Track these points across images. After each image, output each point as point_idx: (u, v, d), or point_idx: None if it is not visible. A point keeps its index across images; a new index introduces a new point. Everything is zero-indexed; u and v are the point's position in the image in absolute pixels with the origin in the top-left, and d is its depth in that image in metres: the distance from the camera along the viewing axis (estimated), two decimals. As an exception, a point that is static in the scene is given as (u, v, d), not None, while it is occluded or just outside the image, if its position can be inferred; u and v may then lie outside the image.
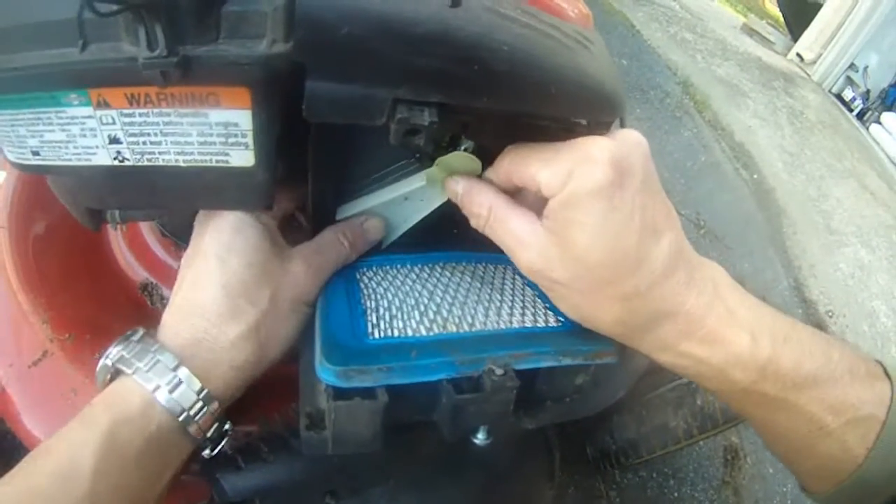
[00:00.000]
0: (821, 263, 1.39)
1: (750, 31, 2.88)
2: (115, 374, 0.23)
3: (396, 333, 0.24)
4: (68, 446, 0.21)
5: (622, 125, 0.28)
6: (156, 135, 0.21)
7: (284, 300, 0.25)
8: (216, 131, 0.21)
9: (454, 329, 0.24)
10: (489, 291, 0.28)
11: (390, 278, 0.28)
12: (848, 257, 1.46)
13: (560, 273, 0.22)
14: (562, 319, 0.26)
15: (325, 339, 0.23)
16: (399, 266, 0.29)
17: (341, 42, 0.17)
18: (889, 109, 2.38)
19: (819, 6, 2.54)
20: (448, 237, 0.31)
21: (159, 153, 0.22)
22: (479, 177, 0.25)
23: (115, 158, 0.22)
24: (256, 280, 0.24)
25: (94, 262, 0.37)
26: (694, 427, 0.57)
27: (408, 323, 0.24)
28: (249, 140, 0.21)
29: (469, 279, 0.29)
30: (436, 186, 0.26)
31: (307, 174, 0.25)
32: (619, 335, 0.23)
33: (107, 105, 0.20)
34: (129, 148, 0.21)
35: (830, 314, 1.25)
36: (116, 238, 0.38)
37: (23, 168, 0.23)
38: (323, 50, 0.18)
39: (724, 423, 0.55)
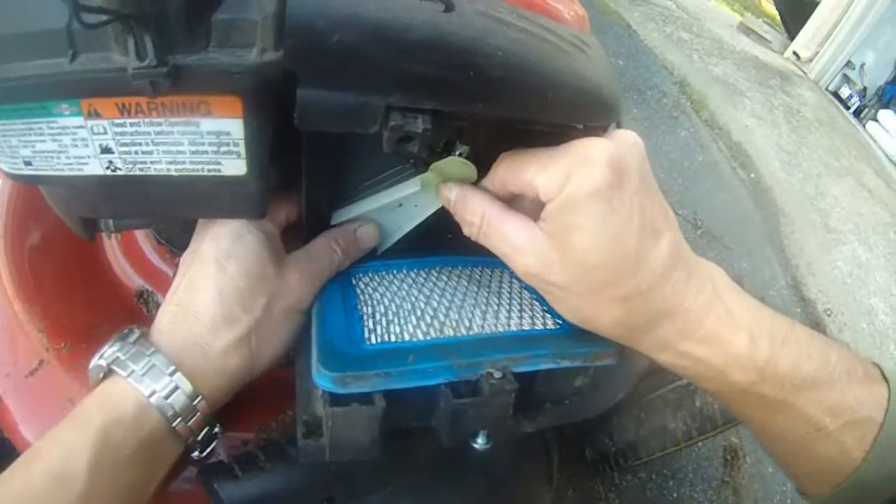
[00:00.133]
0: (819, 262, 1.39)
1: (746, 30, 2.89)
2: (109, 373, 0.23)
3: (393, 338, 0.24)
4: (61, 448, 0.21)
5: (619, 127, 0.27)
6: (147, 144, 0.21)
7: (278, 308, 0.25)
8: (208, 140, 0.20)
9: (451, 333, 0.24)
10: (486, 295, 0.28)
11: (386, 283, 0.28)
12: (846, 255, 1.46)
13: (559, 276, 0.22)
14: (560, 322, 0.26)
15: (322, 346, 0.23)
16: (395, 271, 0.29)
17: (333, 49, 0.17)
18: (886, 107, 2.39)
19: (815, 4, 2.55)
20: (444, 241, 0.31)
21: (151, 163, 0.21)
22: (475, 184, 0.25)
23: (107, 168, 0.22)
24: (252, 288, 0.24)
25: (90, 270, 0.37)
26: (693, 428, 0.57)
27: (405, 328, 0.24)
28: (241, 149, 0.21)
29: (466, 283, 0.28)
30: (430, 192, 0.26)
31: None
32: (618, 336, 0.23)
33: (98, 115, 0.20)
34: (120, 157, 0.21)
35: (829, 312, 1.25)
36: (111, 246, 0.38)
37: (15, 178, 0.22)
38: (314, 58, 0.18)
39: (723, 425, 0.55)
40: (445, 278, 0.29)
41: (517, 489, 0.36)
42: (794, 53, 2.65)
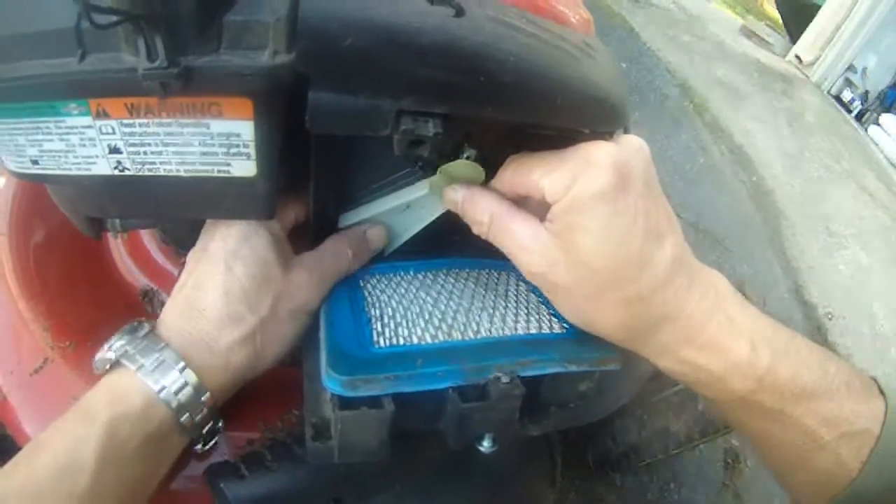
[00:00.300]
0: (820, 265, 1.39)
1: (748, 33, 2.88)
2: (116, 365, 0.23)
3: (402, 341, 0.24)
4: (67, 441, 0.21)
5: (626, 133, 0.27)
6: (156, 145, 0.21)
7: (284, 309, 0.25)
8: (218, 141, 0.20)
9: (459, 336, 0.24)
10: (493, 298, 0.28)
11: (394, 286, 0.28)
12: (847, 259, 1.46)
13: (564, 277, 0.22)
14: (566, 326, 0.26)
15: (331, 349, 0.23)
16: (402, 273, 0.29)
17: (345, 53, 0.17)
18: (888, 111, 2.39)
19: (817, 7, 2.55)
20: (451, 243, 0.31)
21: (160, 163, 0.21)
22: (483, 185, 0.25)
23: (115, 168, 0.22)
24: (258, 288, 0.25)
25: (95, 269, 0.37)
26: (695, 431, 0.57)
27: (413, 331, 0.24)
28: (251, 150, 0.21)
29: (473, 285, 0.28)
30: (438, 194, 0.26)
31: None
32: (620, 339, 0.23)
33: (106, 115, 0.20)
34: (129, 158, 0.21)
35: (830, 316, 1.25)
36: (117, 245, 0.38)
37: (22, 177, 0.22)
38: (326, 61, 0.18)
39: (725, 428, 0.55)
40: (453, 280, 0.29)
41: (521, 491, 0.36)
42: (796, 57, 2.64)
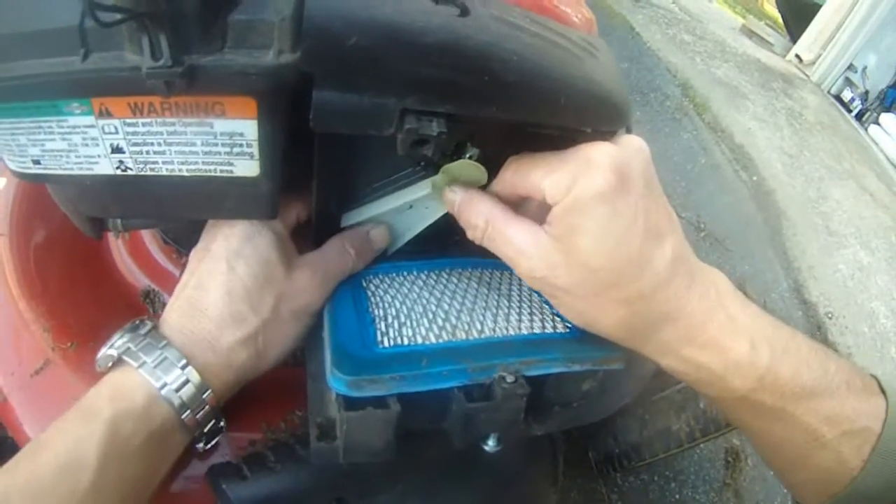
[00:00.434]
0: (820, 265, 1.39)
1: (749, 33, 2.89)
2: (118, 363, 0.23)
3: (406, 341, 0.24)
4: (69, 438, 0.21)
5: (628, 132, 0.27)
6: (159, 144, 0.21)
7: (287, 309, 0.25)
8: (221, 141, 0.20)
9: (464, 336, 0.24)
10: (497, 297, 0.28)
11: (397, 285, 0.28)
12: (847, 259, 1.46)
13: (564, 279, 0.22)
14: (570, 326, 0.26)
15: (335, 349, 0.23)
16: (405, 273, 0.29)
17: (349, 52, 0.17)
18: (888, 110, 2.39)
19: (818, 7, 2.55)
20: (454, 243, 0.31)
21: (162, 163, 0.21)
22: (486, 185, 0.25)
23: (117, 168, 0.22)
24: (260, 288, 0.25)
25: (96, 269, 0.37)
26: (697, 430, 0.57)
27: (417, 330, 0.24)
28: (254, 150, 0.21)
29: (476, 285, 0.28)
30: (441, 194, 0.26)
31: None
32: (622, 339, 0.23)
33: (109, 114, 0.20)
34: (131, 157, 0.21)
35: (830, 315, 1.25)
36: (117, 245, 0.38)
37: (23, 177, 0.22)
38: (331, 60, 0.17)
39: (726, 427, 0.55)
40: (456, 280, 0.28)
41: (524, 490, 0.36)
42: (797, 56, 2.65)
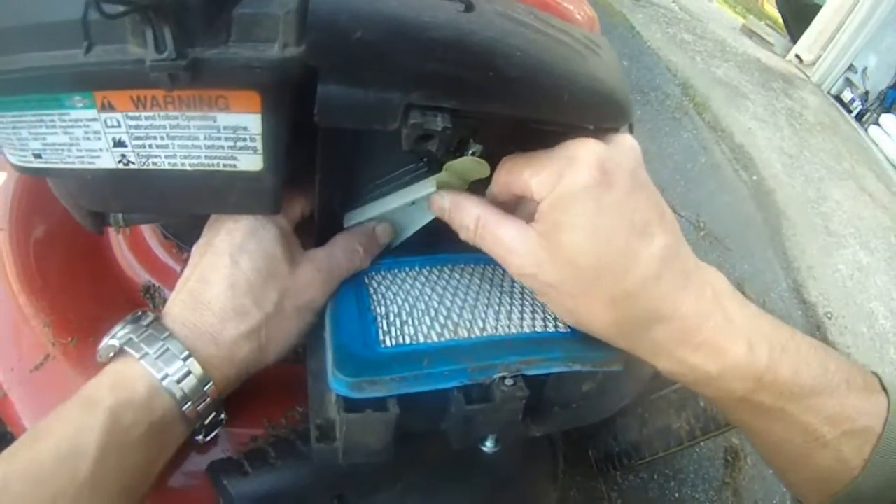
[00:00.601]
0: (820, 265, 1.39)
1: (749, 33, 2.89)
2: (120, 353, 0.23)
3: (408, 340, 0.24)
4: (69, 427, 0.21)
5: (630, 130, 0.27)
6: (162, 138, 0.21)
7: (290, 305, 0.25)
8: (224, 135, 0.20)
9: (465, 334, 0.24)
10: (498, 294, 0.28)
11: (399, 282, 0.28)
12: (847, 259, 1.47)
13: (551, 276, 0.22)
14: (570, 325, 0.26)
15: (337, 349, 0.22)
16: (407, 269, 0.29)
17: (355, 46, 0.17)
18: (888, 111, 2.39)
19: (818, 7, 2.55)
20: (455, 238, 0.31)
21: (165, 157, 0.21)
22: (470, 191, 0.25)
23: (119, 162, 0.21)
24: (264, 283, 0.24)
25: (96, 264, 0.37)
26: (697, 428, 0.57)
27: (419, 329, 0.24)
28: (258, 144, 0.21)
29: (478, 281, 0.28)
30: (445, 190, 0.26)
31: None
32: (614, 339, 0.23)
33: (112, 108, 0.20)
34: (134, 151, 0.21)
35: (829, 315, 1.25)
36: (118, 240, 0.38)
37: (24, 171, 0.22)
38: (336, 54, 0.17)
39: (726, 425, 0.55)
40: (458, 276, 0.28)
41: (524, 490, 0.36)
42: (797, 56, 2.65)
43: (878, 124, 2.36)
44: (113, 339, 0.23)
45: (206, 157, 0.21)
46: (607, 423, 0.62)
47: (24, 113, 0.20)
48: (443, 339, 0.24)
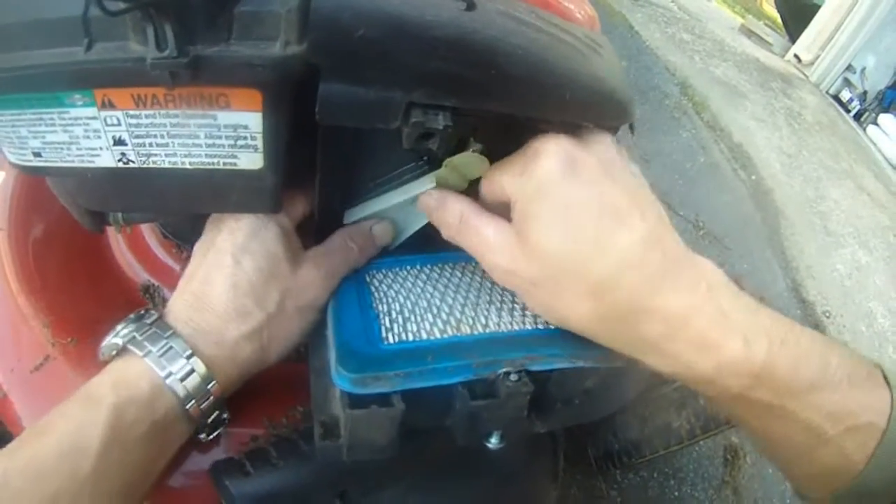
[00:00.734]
0: (818, 264, 1.40)
1: (748, 33, 2.89)
2: (123, 351, 0.23)
3: (411, 337, 0.24)
4: (71, 423, 0.21)
5: (632, 130, 0.27)
6: (162, 136, 0.20)
7: (292, 304, 0.25)
8: (225, 133, 0.20)
9: (468, 331, 0.24)
10: (500, 291, 0.28)
11: (401, 280, 0.28)
12: (845, 258, 1.47)
13: (526, 271, 0.22)
14: None
15: (340, 346, 0.22)
16: (409, 268, 0.29)
17: (357, 44, 0.17)
18: (886, 111, 2.40)
19: (817, 7, 2.55)
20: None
21: (165, 155, 0.21)
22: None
23: (119, 160, 0.21)
24: (266, 283, 0.24)
25: (95, 264, 0.37)
26: (697, 427, 0.57)
27: (421, 326, 0.24)
28: (259, 142, 0.20)
29: (479, 279, 0.28)
30: (445, 188, 0.26)
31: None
32: (597, 335, 0.22)
33: (112, 106, 0.20)
34: (134, 150, 0.21)
35: (828, 315, 1.25)
36: (117, 240, 0.38)
37: (23, 169, 0.22)
38: (338, 52, 0.17)
39: (726, 423, 0.55)
40: (459, 274, 0.28)
41: (526, 487, 0.36)
42: (796, 56, 2.65)
43: (877, 124, 2.36)
44: (116, 337, 0.23)
45: (206, 155, 0.21)
46: (607, 420, 0.62)
47: (24, 111, 0.20)
48: (445, 336, 0.24)
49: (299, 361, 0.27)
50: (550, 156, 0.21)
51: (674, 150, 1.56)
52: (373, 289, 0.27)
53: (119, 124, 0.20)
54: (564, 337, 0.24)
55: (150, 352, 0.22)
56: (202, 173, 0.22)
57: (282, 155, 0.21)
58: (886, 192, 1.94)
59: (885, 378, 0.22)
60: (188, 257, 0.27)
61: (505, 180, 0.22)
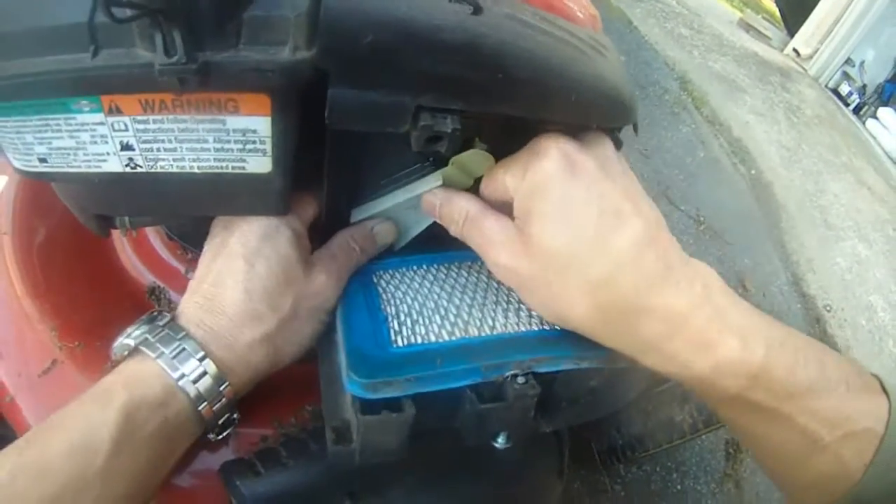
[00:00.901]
0: (819, 258, 1.40)
1: (746, 27, 2.88)
2: (134, 352, 0.23)
3: (419, 340, 0.24)
4: (81, 422, 0.21)
5: (635, 130, 0.28)
6: (170, 141, 0.20)
7: (304, 309, 0.25)
8: (234, 138, 0.20)
9: (476, 333, 0.24)
10: (506, 292, 0.28)
11: (408, 281, 0.28)
12: (845, 252, 1.47)
13: (526, 267, 0.22)
14: None
15: (350, 351, 0.23)
16: (415, 267, 0.29)
17: (366, 49, 0.17)
18: (885, 104, 2.39)
19: (816, 1, 2.54)
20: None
21: (173, 160, 0.21)
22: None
23: (126, 165, 0.21)
24: (280, 287, 0.24)
25: (100, 266, 0.37)
26: (699, 421, 0.58)
27: (430, 328, 0.24)
28: (268, 146, 0.20)
29: (486, 279, 0.28)
30: (451, 185, 0.26)
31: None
32: (596, 333, 0.22)
33: (119, 111, 0.19)
34: (141, 155, 0.21)
35: (828, 308, 1.26)
36: (122, 242, 0.38)
37: (29, 175, 0.22)
38: (347, 57, 0.17)
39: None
40: (466, 274, 0.29)
41: (531, 483, 0.36)
42: (794, 50, 2.65)
43: (876, 118, 2.36)
44: (128, 338, 0.24)
45: (214, 159, 0.21)
46: (610, 415, 0.62)
47: (29, 117, 0.20)
48: (454, 338, 0.24)
49: (306, 361, 0.28)
50: (552, 156, 0.22)
51: (674, 145, 1.56)
52: (380, 290, 0.27)
53: (126, 129, 0.20)
54: (569, 338, 0.24)
55: (162, 353, 0.22)
56: (210, 177, 0.22)
57: (290, 158, 0.21)
58: (886, 185, 1.94)
59: (884, 387, 0.22)
60: (194, 259, 0.27)
61: (507, 179, 0.23)
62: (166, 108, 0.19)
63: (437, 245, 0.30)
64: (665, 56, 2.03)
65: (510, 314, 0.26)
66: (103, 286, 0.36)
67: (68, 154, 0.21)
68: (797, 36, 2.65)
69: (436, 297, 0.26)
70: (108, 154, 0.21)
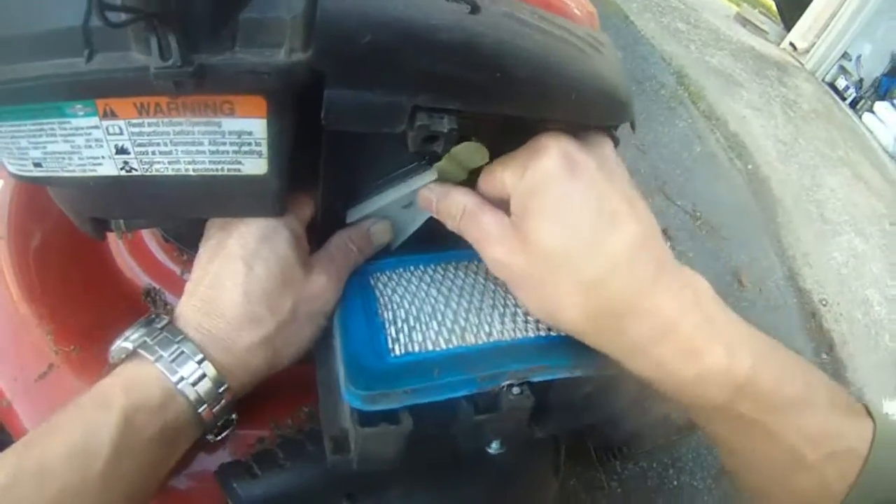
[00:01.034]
0: (815, 252, 1.41)
1: (743, 21, 2.88)
2: (133, 355, 0.23)
3: (416, 348, 0.24)
4: (83, 425, 0.21)
5: (633, 128, 0.28)
6: (165, 144, 0.20)
7: (304, 311, 0.25)
8: (229, 140, 0.20)
9: (472, 340, 0.24)
10: (503, 294, 0.28)
11: (405, 283, 0.28)
12: (842, 246, 1.48)
13: (521, 264, 0.22)
14: None
15: (348, 361, 0.22)
16: (412, 268, 0.29)
17: (362, 50, 0.17)
18: (882, 98, 2.40)
19: (812, -5, 2.54)
20: (455, 235, 0.31)
21: (169, 162, 0.21)
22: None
23: (121, 169, 0.21)
24: (279, 289, 0.24)
25: (96, 270, 0.36)
26: (696, 418, 0.58)
27: (427, 335, 0.24)
28: (263, 148, 0.20)
29: (483, 280, 0.28)
30: (445, 178, 0.26)
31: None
32: (585, 333, 0.22)
33: (114, 115, 0.19)
34: (136, 158, 0.21)
35: (824, 303, 1.27)
36: (117, 245, 0.38)
37: (23, 179, 0.22)
38: (343, 58, 0.17)
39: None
40: (462, 275, 0.29)
41: (527, 483, 0.36)
42: (791, 44, 2.64)
43: (873, 112, 2.36)
44: (126, 341, 0.23)
45: (210, 162, 0.21)
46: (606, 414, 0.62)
47: (24, 122, 0.20)
48: (450, 346, 0.24)
49: (304, 362, 0.28)
50: (551, 155, 0.22)
51: (670, 140, 1.56)
52: (378, 293, 0.27)
53: (121, 133, 0.20)
54: (565, 345, 0.24)
55: (160, 356, 0.22)
56: (206, 180, 0.22)
57: (286, 159, 0.21)
58: (882, 179, 1.94)
59: (869, 411, 0.21)
60: (189, 260, 0.27)
61: (506, 176, 0.23)
62: (161, 112, 0.19)
63: (433, 244, 0.30)
64: (661, 51, 2.02)
65: (507, 319, 0.26)
66: (99, 289, 0.36)
67: (63, 158, 0.21)
68: (794, 30, 2.64)
69: (433, 300, 0.26)
70: (102, 158, 0.21)
